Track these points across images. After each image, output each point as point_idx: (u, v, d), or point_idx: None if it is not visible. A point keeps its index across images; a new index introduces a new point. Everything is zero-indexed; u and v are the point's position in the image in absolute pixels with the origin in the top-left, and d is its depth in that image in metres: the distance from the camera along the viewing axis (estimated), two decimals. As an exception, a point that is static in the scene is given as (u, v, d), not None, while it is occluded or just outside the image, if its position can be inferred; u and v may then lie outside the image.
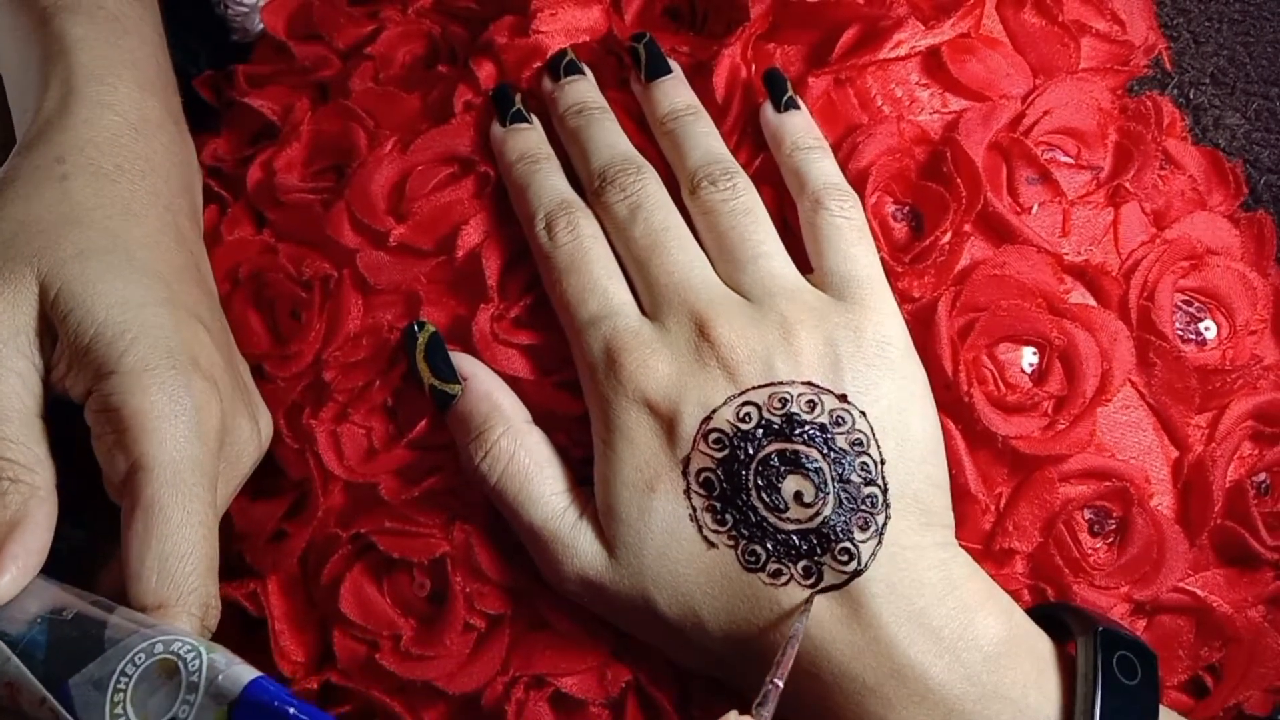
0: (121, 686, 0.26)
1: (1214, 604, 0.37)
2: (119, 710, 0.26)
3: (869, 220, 0.37)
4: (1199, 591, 0.37)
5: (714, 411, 0.33)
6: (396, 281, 0.39)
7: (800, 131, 0.38)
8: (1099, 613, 0.35)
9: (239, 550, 0.40)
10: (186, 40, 0.47)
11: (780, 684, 0.29)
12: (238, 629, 0.41)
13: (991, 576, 0.35)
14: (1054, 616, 0.35)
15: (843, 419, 0.33)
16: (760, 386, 0.33)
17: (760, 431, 0.33)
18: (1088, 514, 0.36)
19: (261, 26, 0.48)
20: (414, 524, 0.37)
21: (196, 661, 0.26)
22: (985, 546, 0.36)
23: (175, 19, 0.47)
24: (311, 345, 0.39)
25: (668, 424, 0.33)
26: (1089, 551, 0.36)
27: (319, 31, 0.45)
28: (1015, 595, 0.35)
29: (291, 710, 0.25)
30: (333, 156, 0.42)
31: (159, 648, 0.27)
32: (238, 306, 0.41)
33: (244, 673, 0.26)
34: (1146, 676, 0.32)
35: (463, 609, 0.36)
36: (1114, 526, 0.36)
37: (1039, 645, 0.33)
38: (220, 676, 0.26)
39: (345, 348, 0.39)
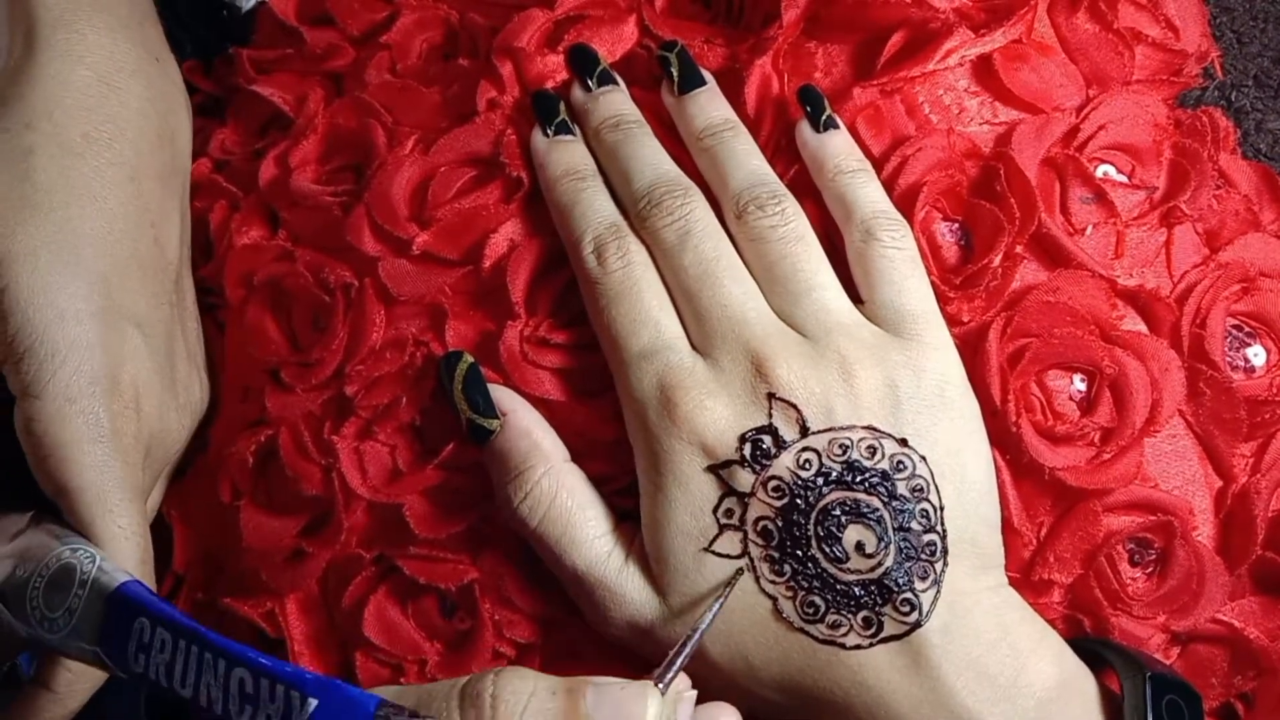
0: (36, 585, 0.32)
1: (1250, 635, 0.36)
2: (34, 603, 0.32)
3: (918, 238, 0.36)
4: (1235, 622, 0.36)
5: (773, 459, 0.32)
6: (420, 292, 0.37)
7: (842, 154, 0.36)
8: (1146, 654, 0.34)
9: (253, 566, 0.38)
10: (168, 26, 0.44)
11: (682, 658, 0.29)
12: (255, 647, 0.40)
13: (1029, 604, 0.34)
14: (1092, 649, 0.34)
15: (903, 464, 0.32)
16: (820, 432, 0.32)
17: (820, 480, 0.32)
18: (1129, 544, 0.36)
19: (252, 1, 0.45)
20: (441, 549, 0.36)
21: (90, 565, 0.32)
22: (1024, 575, 0.35)
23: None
24: (334, 355, 0.37)
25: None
26: (1128, 581, 0.35)
27: (331, 15, 0.42)
28: (1050, 624, 0.35)
29: (148, 603, 0.30)
30: (350, 154, 0.40)
31: (65, 554, 0.32)
32: (253, 313, 0.39)
33: (122, 574, 0.31)
34: (1192, 718, 0.32)
35: (491, 636, 0.35)
36: (1154, 556, 0.36)
37: (1087, 687, 0.33)
38: (105, 575, 0.31)
39: (368, 361, 0.37)
